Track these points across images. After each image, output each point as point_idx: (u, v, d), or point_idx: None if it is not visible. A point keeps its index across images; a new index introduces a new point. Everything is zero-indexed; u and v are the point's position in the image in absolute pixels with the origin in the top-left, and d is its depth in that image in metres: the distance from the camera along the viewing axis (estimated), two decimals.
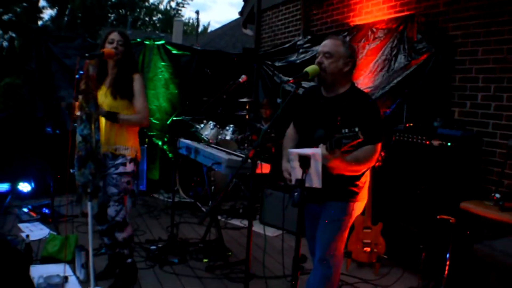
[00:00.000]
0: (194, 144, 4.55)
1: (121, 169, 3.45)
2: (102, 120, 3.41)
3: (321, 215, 2.85)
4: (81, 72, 3.14)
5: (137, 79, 3.45)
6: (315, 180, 2.43)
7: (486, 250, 1.43)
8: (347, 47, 2.81)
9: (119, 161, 3.46)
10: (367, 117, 2.68)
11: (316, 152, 2.39)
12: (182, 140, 4.67)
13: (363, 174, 2.83)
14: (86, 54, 3.16)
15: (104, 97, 3.39)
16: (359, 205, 2.87)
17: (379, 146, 2.72)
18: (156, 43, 7.13)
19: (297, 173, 2.44)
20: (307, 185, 2.41)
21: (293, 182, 2.47)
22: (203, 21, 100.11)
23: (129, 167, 3.49)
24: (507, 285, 1.40)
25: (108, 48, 3.36)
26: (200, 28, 38.30)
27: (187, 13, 66.58)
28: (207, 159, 4.17)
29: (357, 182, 2.81)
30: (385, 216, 4.44)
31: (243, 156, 3.98)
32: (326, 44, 2.80)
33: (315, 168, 2.40)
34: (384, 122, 4.11)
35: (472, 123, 4.43)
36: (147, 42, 7.06)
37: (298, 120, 3.09)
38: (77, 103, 3.11)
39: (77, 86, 3.12)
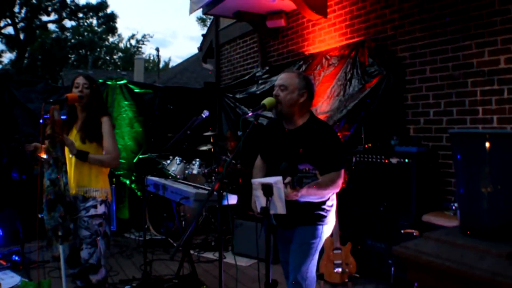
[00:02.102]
0: (162, 180, 4.58)
1: (92, 211, 3.43)
2: (72, 162, 3.43)
3: (292, 239, 2.95)
4: (46, 116, 3.18)
5: (105, 122, 3.49)
6: (279, 207, 2.51)
7: (401, 250, 1.56)
8: (302, 78, 2.93)
9: (90, 203, 3.44)
10: (328, 146, 2.81)
11: (278, 180, 2.47)
12: (150, 177, 4.71)
13: (329, 198, 2.94)
14: (51, 100, 3.22)
15: (73, 141, 3.43)
16: (328, 228, 2.97)
17: (342, 171, 2.85)
18: (118, 82, 7.17)
19: (262, 201, 2.53)
20: (272, 212, 2.51)
21: (258, 210, 2.57)
22: (164, 56, 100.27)
23: (100, 209, 3.47)
24: (420, 279, 1.55)
25: (74, 92, 3.43)
26: (161, 64, 38.47)
27: (148, 50, 66.76)
28: (175, 195, 4.20)
29: (324, 206, 2.91)
30: (353, 236, 4.57)
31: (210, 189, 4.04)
32: (282, 77, 2.94)
33: (278, 195, 2.48)
34: (344, 146, 4.26)
35: (427, 138, 4.63)
36: (109, 82, 7.10)
37: (263, 152, 3.19)
38: (42, 146, 3.16)
39: (43, 130, 3.17)
